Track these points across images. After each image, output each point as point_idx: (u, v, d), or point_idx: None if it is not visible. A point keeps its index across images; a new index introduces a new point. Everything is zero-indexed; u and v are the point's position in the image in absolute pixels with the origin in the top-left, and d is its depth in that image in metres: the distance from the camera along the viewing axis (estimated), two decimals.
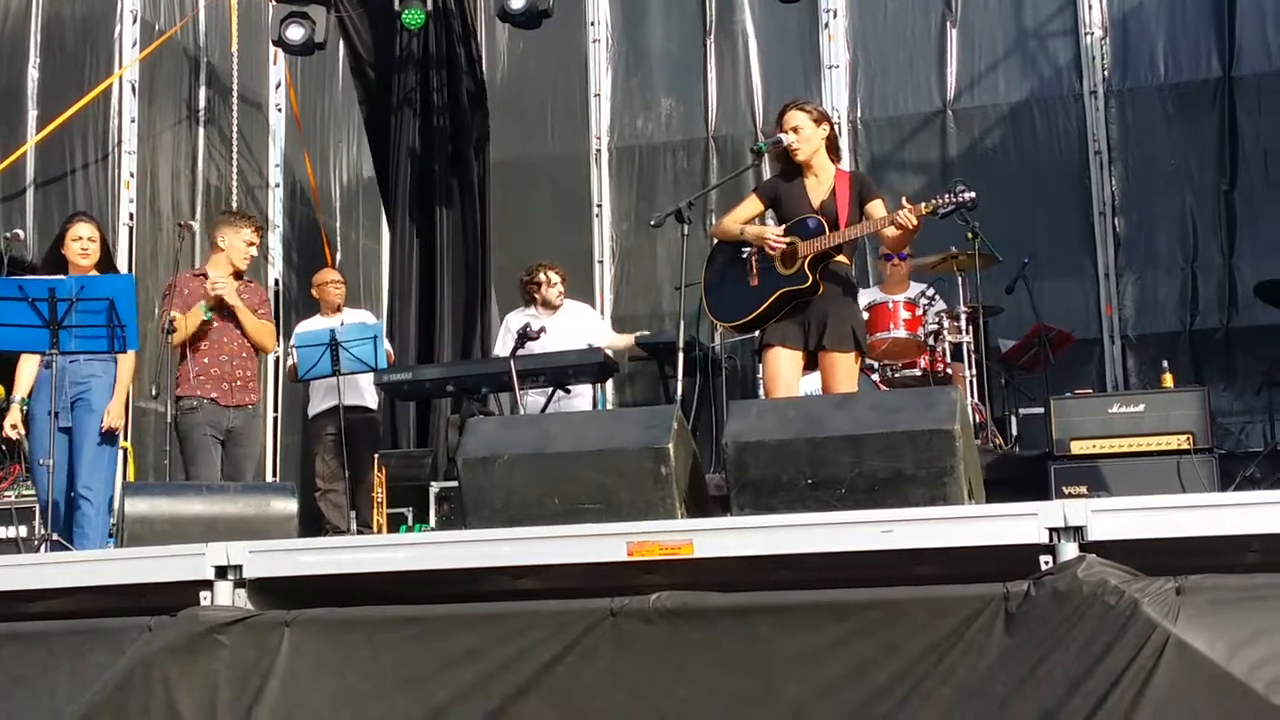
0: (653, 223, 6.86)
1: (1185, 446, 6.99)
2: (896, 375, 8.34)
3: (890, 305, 8.25)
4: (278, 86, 11.87)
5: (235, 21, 11.13)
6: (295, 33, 10.24)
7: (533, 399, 8.48)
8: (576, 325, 8.92)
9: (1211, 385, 8.48)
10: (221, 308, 7.47)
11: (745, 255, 6.24)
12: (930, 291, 8.70)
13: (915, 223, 5.78)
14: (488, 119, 10.90)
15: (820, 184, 6.19)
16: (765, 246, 6.12)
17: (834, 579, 4.17)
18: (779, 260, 6.11)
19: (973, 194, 5.81)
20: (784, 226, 6.20)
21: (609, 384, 10.44)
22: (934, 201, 5.82)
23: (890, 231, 5.96)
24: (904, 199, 5.95)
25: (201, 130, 11.22)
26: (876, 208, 5.99)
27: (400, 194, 10.95)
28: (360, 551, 4.60)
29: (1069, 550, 3.91)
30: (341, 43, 10.93)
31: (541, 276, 8.94)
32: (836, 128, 10.37)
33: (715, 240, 6.49)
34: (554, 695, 4.12)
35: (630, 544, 4.26)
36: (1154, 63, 10.41)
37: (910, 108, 10.91)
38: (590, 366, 8.28)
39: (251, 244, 7.63)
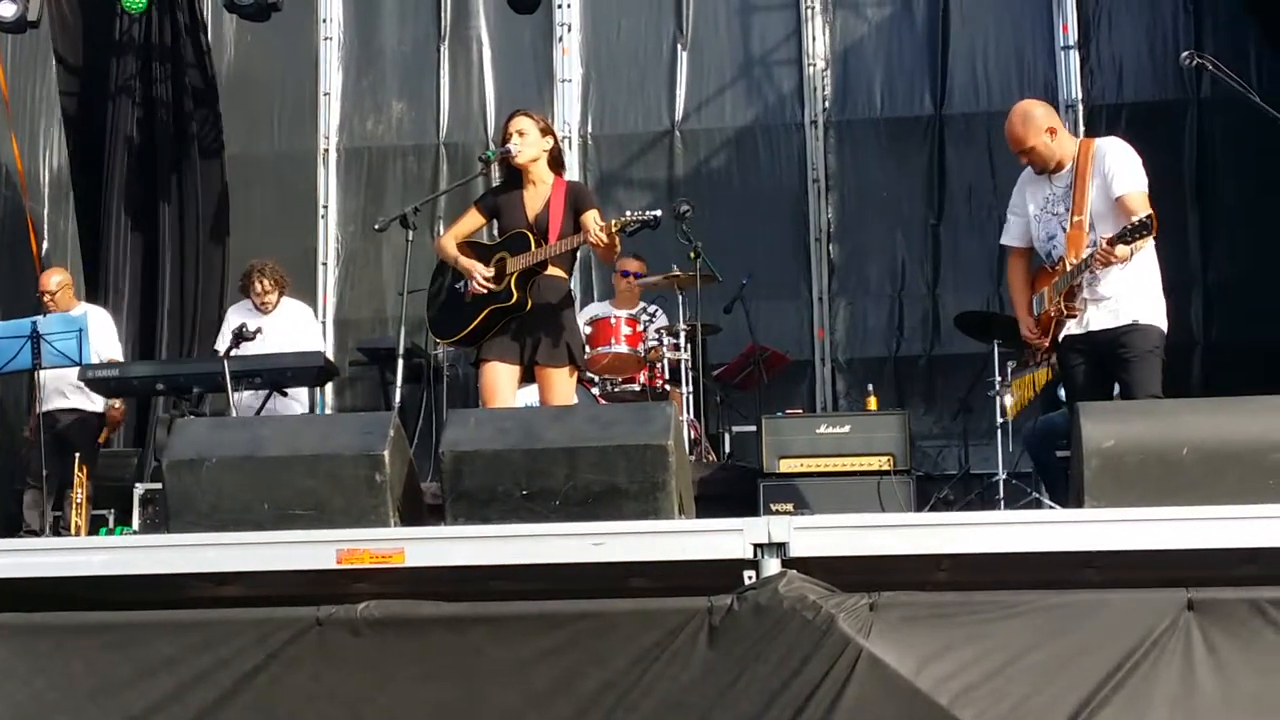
0: (377, 226, 6.77)
1: (886, 467, 7.24)
2: (616, 389, 8.41)
3: (612, 321, 8.32)
4: None
5: None
6: (6, 9, 9.71)
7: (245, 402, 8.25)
8: (289, 326, 8.68)
9: (913, 409, 8.82)
10: None
11: (462, 281, 6.22)
12: (652, 309, 8.82)
13: (605, 239, 5.86)
14: (219, 116, 10.61)
15: (537, 195, 6.21)
16: (472, 281, 6.10)
17: (550, 590, 4.19)
18: (491, 278, 6.11)
19: (657, 212, 5.92)
20: (496, 257, 6.17)
21: (328, 388, 10.25)
22: (621, 219, 5.90)
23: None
24: (596, 217, 6.01)
25: None
26: (590, 219, 6.03)
27: (115, 185, 10.54)
28: (52, 554, 4.40)
29: (772, 566, 4.02)
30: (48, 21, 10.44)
31: (254, 282, 8.65)
32: (567, 142, 10.65)
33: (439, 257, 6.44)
34: (254, 706, 4.03)
35: (340, 551, 4.21)
36: (871, 97, 10.80)
37: (639, 126, 11.04)
38: (309, 370, 8.10)
39: None
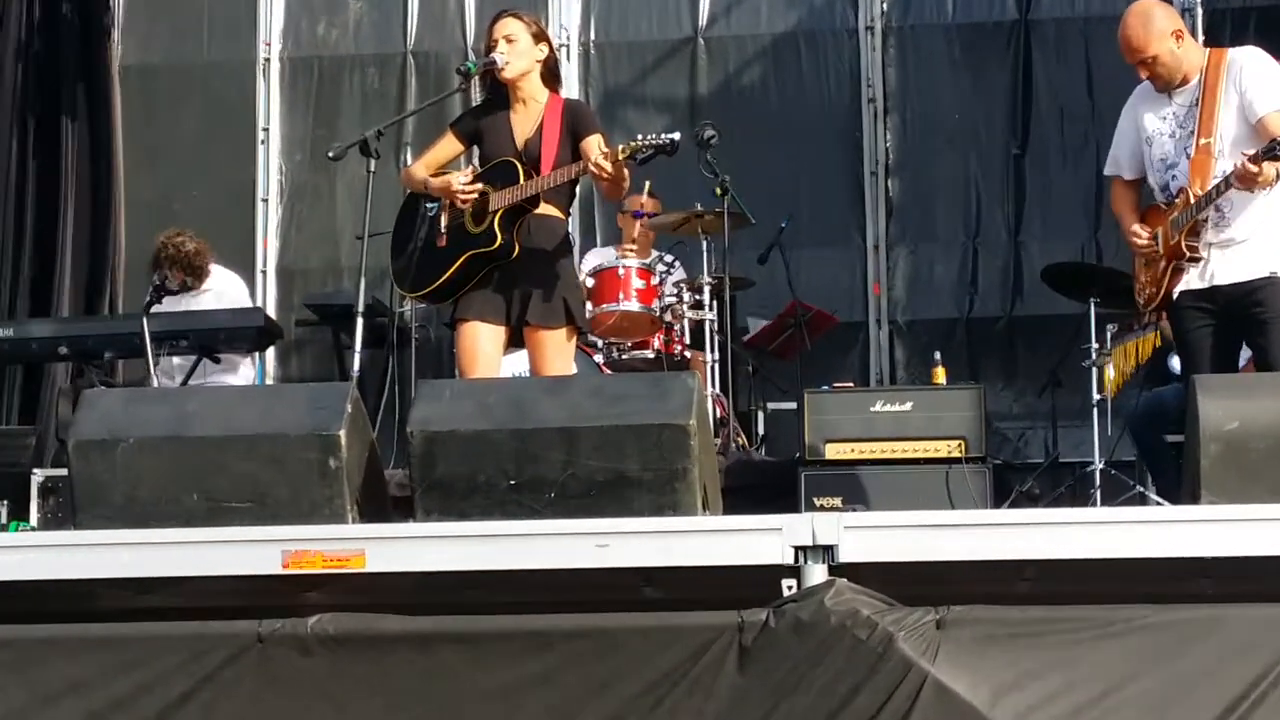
0: (331, 154, 6.76)
1: (956, 454, 7.25)
2: (624, 357, 8.43)
3: (620, 271, 8.33)
4: None
5: None
6: None
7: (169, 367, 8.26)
8: (219, 300, 8.63)
9: (989, 383, 8.81)
10: None
11: (433, 210, 6.24)
12: (669, 258, 8.81)
13: (609, 169, 5.86)
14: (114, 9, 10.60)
15: (527, 116, 6.21)
16: (453, 200, 6.12)
17: (544, 602, 4.21)
18: (469, 216, 6.12)
19: (675, 136, 5.93)
20: (476, 172, 6.19)
21: (270, 353, 10.27)
22: (630, 145, 5.90)
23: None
24: (599, 143, 6.00)
25: None
26: (592, 145, 6.04)
27: (5, 97, 10.52)
28: None
29: (817, 573, 4.03)
30: None
31: (164, 269, 8.54)
32: (564, 51, 10.62)
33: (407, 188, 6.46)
34: None
35: (287, 553, 4.23)
36: None
37: (655, 33, 11.02)
38: (247, 330, 8.12)
39: None
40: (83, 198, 10.48)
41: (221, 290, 8.75)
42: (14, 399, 10.10)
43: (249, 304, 9.06)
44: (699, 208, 8.61)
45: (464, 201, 6.11)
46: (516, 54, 6.18)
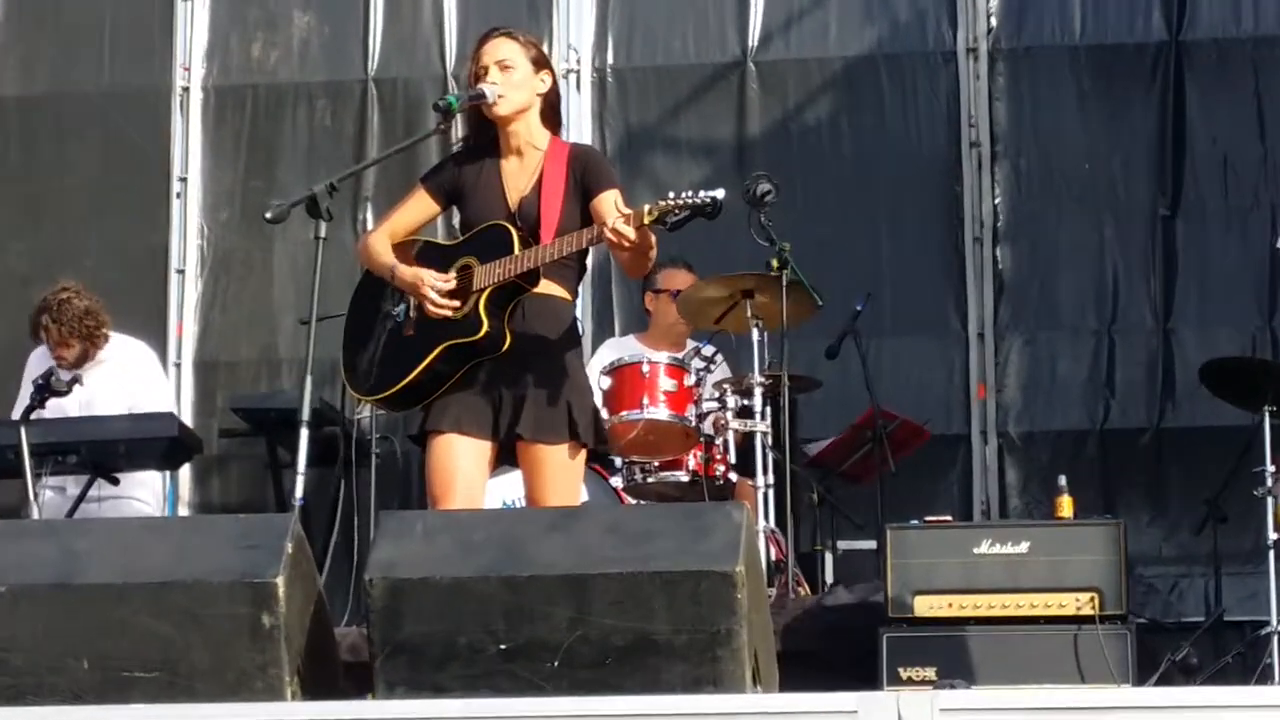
0: (269, 215, 6.80)
1: (1088, 611, 7.25)
2: (650, 481, 8.44)
3: (645, 368, 8.34)
4: None
5: None
6: None
7: (52, 495, 8.30)
8: (112, 383, 8.65)
9: (1131, 517, 8.81)
10: None
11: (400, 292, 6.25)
12: (709, 349, 8.82)
13: (631, 236, 5.85)
14: None
15: (523, 167, 6.23)
16: (421, 304, 6.11)
17: None
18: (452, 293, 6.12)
19: (717, 194, 5.89)
20: (459, 249, 6.22)
21: (185, 472, 10.30)
22: (659, 204, 5.88)
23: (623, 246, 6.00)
24: (617, 201, 6.02)
25: None
26: (607, 205, 6.05)
27: None
28: None
29: None
30: None
31: (44, 329, 8.53)
32: (572, 80, 10.71)
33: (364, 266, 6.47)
34: None
35: None
36: (1066, 12, 10.82)
37: (691, 56, 11.10)
38: (156, 442, 8.15)
39: None
40: None
41: (123, 363, 8.71)
42: None
43: (162, 379, 9.07)
44: (749, 285, 8.62)
45: (434, 315, 6.07)
46: (512, 85, 6.20)
